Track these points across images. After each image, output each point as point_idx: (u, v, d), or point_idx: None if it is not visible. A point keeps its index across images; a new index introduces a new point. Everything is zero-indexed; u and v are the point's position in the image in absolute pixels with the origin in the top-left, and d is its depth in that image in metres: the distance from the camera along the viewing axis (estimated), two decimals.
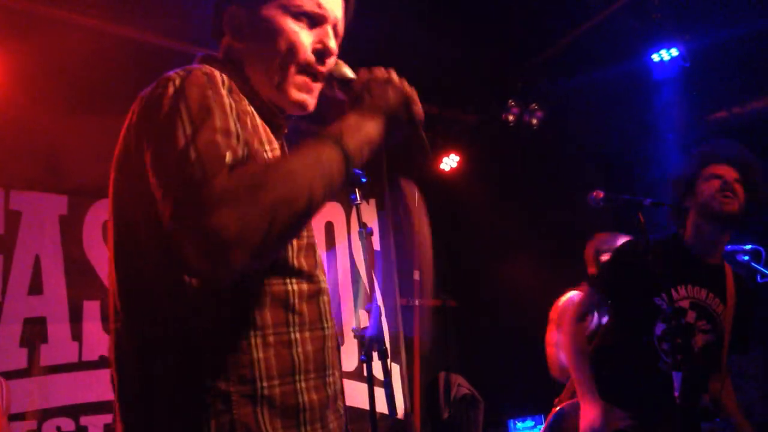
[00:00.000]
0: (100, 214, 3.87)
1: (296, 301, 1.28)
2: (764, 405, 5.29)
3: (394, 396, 2.48)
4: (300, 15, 1.38)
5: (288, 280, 1.28)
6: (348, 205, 4.93)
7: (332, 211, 5.14)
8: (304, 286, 1.31)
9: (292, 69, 1.37)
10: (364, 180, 2.58)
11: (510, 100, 5.32)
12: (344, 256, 5.12)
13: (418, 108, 1.35)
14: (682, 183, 2.87)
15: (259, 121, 1.31)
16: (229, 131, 1.14)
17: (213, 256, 1.04)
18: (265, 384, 1.21)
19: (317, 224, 5.01)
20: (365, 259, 2.60)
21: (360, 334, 2.41)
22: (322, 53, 1.39)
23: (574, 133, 5.69)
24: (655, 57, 4.69)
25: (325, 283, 1.39)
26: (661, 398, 2.60)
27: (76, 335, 3.73)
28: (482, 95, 5.47)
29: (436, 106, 5.55)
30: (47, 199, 3.80)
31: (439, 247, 5.93)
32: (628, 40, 4.69)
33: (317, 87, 1.42)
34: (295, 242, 1.30)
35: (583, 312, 2.85)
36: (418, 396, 5.41)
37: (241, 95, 1.31)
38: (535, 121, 5.44)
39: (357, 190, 2.61)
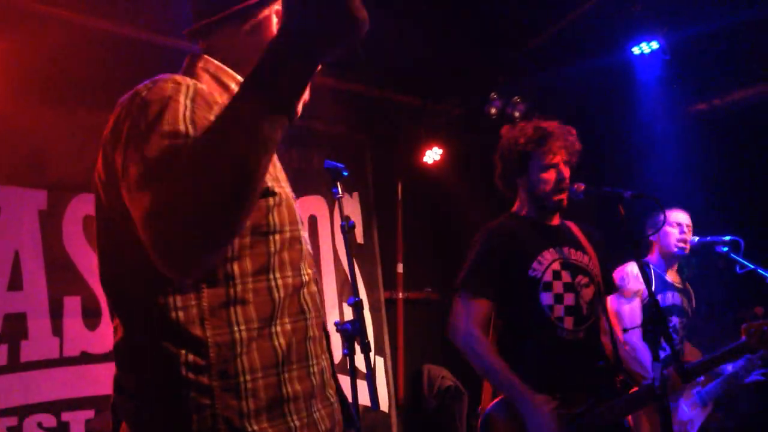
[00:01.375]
0: (80, 209, 3.84)
1: (279, 295, 1.30)
2: (748, 397, 5.36)
3: (377, 389, 2.50)
4: None
5: (270, 276, 1.30)
6: (331, 199, 4.92)
7: (315, 205, 5.13)
8: (288, 280, 1.33)
9: None
10: (345, 174, 2.59)
11: (492, 93, 5.33)
12: (328, 250, 5.12)
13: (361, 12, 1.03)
14: (515, 160, 2.86)
15: None
16: (177, 133, 1.16)
17: (166, 259, 1.05)
18: (248, 377, 1.23)
19: (303, 216, 5.00)
20: (348, 253, 2.60)
21: (343, 328, 2.42)
22: None
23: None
24: (636, 50, 4.72)
25: (312, 275, 1.42)
26: (573, 366, 2.62)
27: (57, 331, 3.71)
28: (465, 88, 5.48)
29: (419, 99, 5.56)
30: (26, 194, 3.76)
31: (422, 240, 5.96)
32: (608, 33, 4.71)
33: None
34: (277, 237, 1.32)
35: (485, 322, 2.70)
36: (402, 388, 5.44)
37: (220, 94, 1.34)
38: (517, 114, 5.45)
39: (339, 183, 2.61)
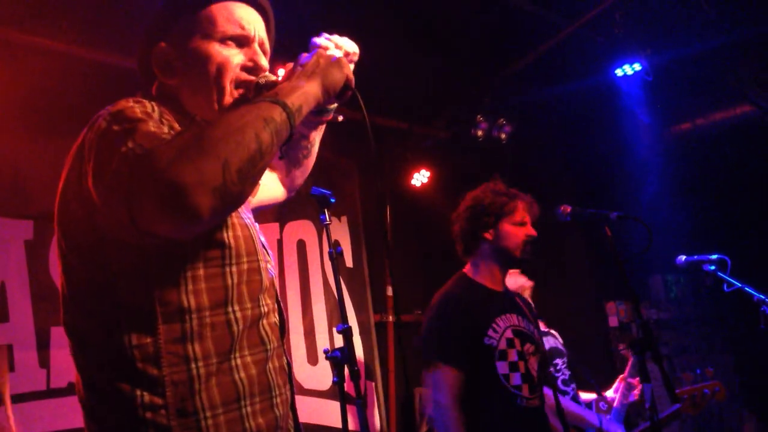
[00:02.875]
0: None
1: (237, 328, 1.29)
2: (736, 412, 5.37)
3: (367, 415, 2.48)
4: (225, 39, 1.43)
5: (228, 310, 1.29)
6: (319, 223, 4.92)
7: (304, 230, 5.12)
8: (247, 312, 1.32)
9: (228, 85, 1.42)
10: (332, 200, 2.59)
11: (478, 116, 5.37)
12: (317, 275, 5.10)
13: (348, 69, 1.46)
14: (487, 214, 2.91)
15: None
16: (160, 132, 1.19)
17: (179, 207, 1.08)
18: (208, 414, 1.22)
19: (289, 243, 4.99)
20: (336, 280, 2.60)
21: (332, 356, 2.41)
22: (252, 69, 1.44)
23: (542, 147, 5.77)
24: (619, 72, 4.79)
25: (271, 305, 1.41)
26: None
27: (44, 362, 3.66)
28: (451, 111, 5.52)
29: (406, 122, 5.59)
30: (12, 225, 3.73)
31: (411, 262, 5.95)
32: (592, 55, 4.78)
33: None
34: (234, 269, 1.31)
35: (456, 392, 2.65)
36: (393, 412, 5.40)
37: (176, 126, 1.35)
38: (503, 136, 5.49)
39: (326, 210, 2.62)
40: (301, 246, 5.10)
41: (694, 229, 5.02)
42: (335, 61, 1.41)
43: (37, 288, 3.72)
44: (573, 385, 3.69)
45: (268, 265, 1.44)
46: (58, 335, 3.72)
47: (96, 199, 1.19)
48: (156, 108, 1.29)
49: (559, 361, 3.73)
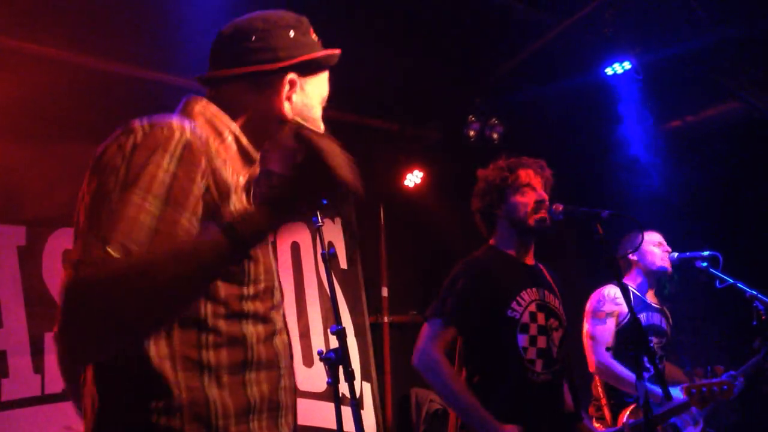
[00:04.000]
0: (59, 244, 3.80)
1: (252, 341, 1.31)
2: (731, 407, 5.38)
3: (362, 417, 2.49)
4: (321, 102, 1.61)
5: (244, 322, 1.30)
6: (313, 226, 4.92)
7: (297, 232, 5.12)
8: (260, 328, 1.33)
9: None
10: (325, 202, 2.60)
11: (470, 116, 5.38)
12: (311, 277, 5.10)
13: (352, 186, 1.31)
14: (493, 191, 2.92)
15: (233, 151, 1.40)
16: (142, 207, 1.16)
17: (61, 349, 1.18)
18: (221, 423, 1.23)
19: (283, 245, 4.99)
20: (329, 281, 2.60)
21: (326, 357, 2.42)
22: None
23: (534, 147, 5.77)
24: (609, 70, 4.80)
25: (281, 323, 1.42)
26: (539, 409, 2.65)
27: (38, 368, 3.65)
28: (443, 111, 5.53)
29: (398, 124, 5.59)
30: (4, 230, 3.72)
31: (406, 263, 5.96)
32: (582, 54, 4.79)
33: None
34: (252, 287, 1.32)
35: (447, 348, 2.71)
36: (390, 413, 5.40)
37: (214, 139, 1.36)
38: (495, 136, 5.50)
39: (318, 212, 2.62)
40: (295, 248, 5.10)
41: (686, 226, 5.03)
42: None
43: (30, 294, 3.71)
44: (661, 367, 3.68)
45: (279, 283, 1.47)
46: (52, 341, 3.71)
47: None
48: (188, 138, 1.26)
49: (654, 338, 3.72)
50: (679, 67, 4.81)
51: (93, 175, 1.23)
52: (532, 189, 2.85)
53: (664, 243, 3.94)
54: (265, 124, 1.47)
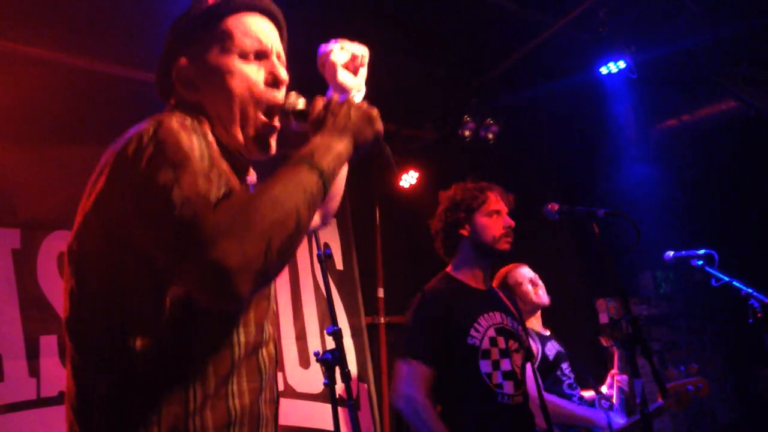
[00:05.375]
0: (54, 247, 3.79)
1: (239, 352, 1.28)
2: (727, 406, 5.39)
3: (358, 418, 2.48)
4: (244, 54, 1.42)
5: (234, 331, 1.28)
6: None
7: None
8: (250, 338, 1.31)
9: (252, 111, 1.41)
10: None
11: (465, 116, 5.38)
12: (307, 278, 5.10)
13: (379, 124, 1.42)
14: (459, 210, 2.92)
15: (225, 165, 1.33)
16: (207, 173, 1.17)
17: (220, 288, 1.08)
18: None
19: None
20: (325, 282, 2.60)
21: (323, 358, 2.41)
22: (273, 83, 1.44)
23: (529, 147, 5.79)
24: (604, 70, 4.81)
25: (271, 334, 1.40)
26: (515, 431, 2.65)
27: (34, 371, 3.64)
28: (438, 112, 5.53)
29: (393, 124, 5.59)
30: None
31: (402, 263, 5.95)
32: (576, 54, 4.80)
33: (274, 136, 1.48)
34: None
35: (427, 387, 2.64)
36: (387, 413, 5.40)
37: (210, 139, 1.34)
38: (491, 136, 5.51)
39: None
40: None
41: (682, 224, 5.04)
42: (367, 115, 1.40)
43: (25, 297, 3.70)
44: (578, 389, 3.70)
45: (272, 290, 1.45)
46: (48, 344, 3.70)
47: (138, 233, 1.19)
48: (198, 126, 1.28)
49: (564, 365, 3.72)
50: (674, 65, 4.82)
51: (118, 171, 1.22)
52: (499, 215, 2.88)
53: (536, 278, 3.92)
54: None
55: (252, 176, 1.52)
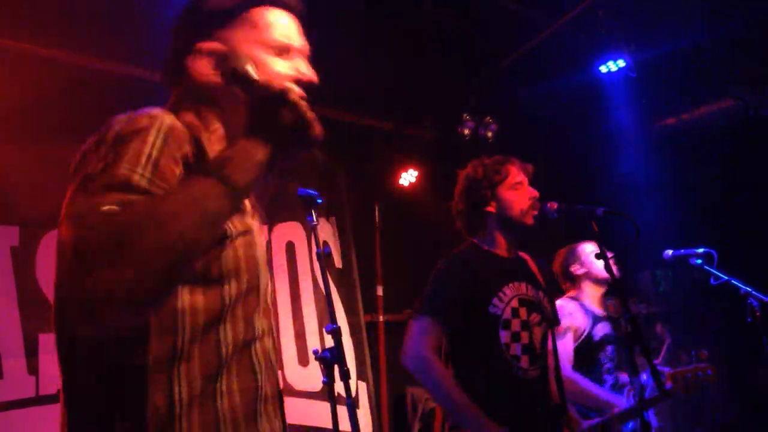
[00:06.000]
0: (52, 245, 3.77)
1: (227, 351, 1.23)
2: (725, 405, 5.40)
3: (357, 416, 2.48)
4: (274, 48, 1.38)
5: (220, 328, 1.22)
6: (308, 225, 4.91)
7: (293, 231, 5.11)
8: (239, 335, 1.25)
9: None
10: (319, 201, 2.59)
11: (464, 114, 5.38)
12: (307, 277, 5.10)
13: (315, 131, 1.24)
14: (482, 188, 2.87)
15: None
16: (128, 184, 1.10)
17: (89, 318, 1.02)
18: None
19: (278, 245, 4.98)
20: (324, 281, 2.60)
21: (321, 356, 2.41)
22: (299, 83, 1.38)
23: (528, 145, 5.78)
24: (603, 68, 4.81)
25: (265, 328, 1.34)
26: (527, 405, 2.62)
27: (33, 369, 3.64)
28: (437, 110, 5.54)
29: (393, 122, 5.59)
30: None
31: (401, 262, 5.95)
32: (576, 52, 4.80)
33: None
34: (234, 288, 1.24)
35: (435, 344, 2.64)
36: (385, 412, 5.40)
37: (204, 136, 1.29)
38: (490, 134, 5.52)
39: (313, 211, 2.61)
40: (290, 248, 5.09)
41: (681, 223, 5.04)
42: (280, 102, 1.21)
43: (24, 295, 3.69)
44: (618, 374, 3.69)
45: (265, 282, 1.37)
46: (47, 342, 3.70)
47: None
48: (171, 126, 1.20)
49: (609, 348, 3.72)
50: (673, 64, 4.82)
51: (77, 172, 1.18)
52: (522, 186, 2.84)
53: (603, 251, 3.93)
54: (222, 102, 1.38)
55: None
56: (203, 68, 1.36)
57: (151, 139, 1.16)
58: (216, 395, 1.20)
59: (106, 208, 1.06)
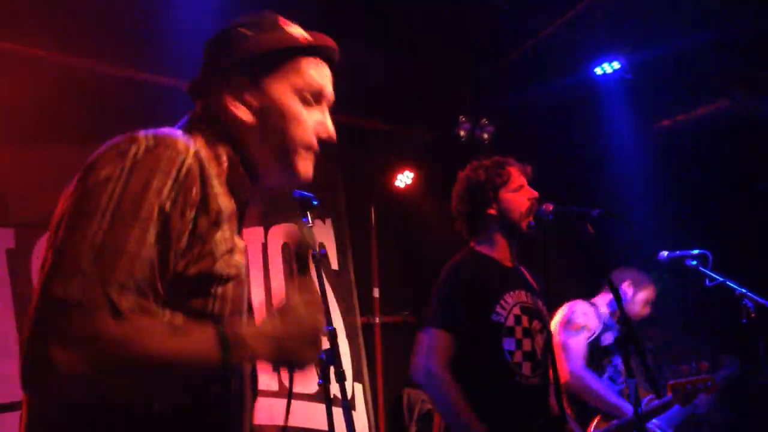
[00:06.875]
0: None
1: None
2: (720, 406, 5.40)
3: (353, 418, 2.48)
4: (309, 98, 1.40)
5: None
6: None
7: (288, 233, 5.11)
8: None
9: (300, 149, 1.39)
10: (315, 203, 2.59)
11: (460, 116, 5.39)
12: None
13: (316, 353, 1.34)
14: (483, 190, 2.87)
15: (220, 192, 1.24)
16: (138, 255, 1.09)
17: (32, 379, 1.06)
18: None
19: (274, 247, 4.98)
20: (320, 282, 2.59)
21: (317, 358, 2.41)
22: (323, 139, 1.43)
23: (524, 146, 5.79)
24: (599, 70, 4.82)
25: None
26: (528, 413, 2.63)
27: None
28: (433, 112, 5.54)
29: (388, 124, 5.59)
30: None
31: (397, 263, 5.96)
32: (571, 54, 4.81)
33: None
34: (216, 305, 1.22)
35: (447, 357, 2.62)
36: (382, 413, 5.40)
37: (212, 162, 1.27)
38: (486, 136, 5.52)
39: (309, 213, 2.61)
40: (286, 249, 5.08)
41: (676, 224, 5.05)
42: (312, 345, 1.29)
43: (19, 297, 3.69)
44: (620, 385, 3.70)
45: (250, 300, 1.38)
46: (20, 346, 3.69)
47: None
48: (190, 163, 1.18)
49: (617, 359, 3.73)
50: (668, 66, 4.83)
51: (84, 180, 1.14)
52: (523, 188, 2.84)
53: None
54: (247, 141, 1.37)
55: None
56: (243, 115, 1.36)
57: (166, 190, 1.14)
58: (200, 412, 1.21)
59: (115, 297, 1.05)
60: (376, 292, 5.68)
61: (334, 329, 2.47)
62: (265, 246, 4.90)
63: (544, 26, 4.50)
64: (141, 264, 1.08)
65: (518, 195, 2.82)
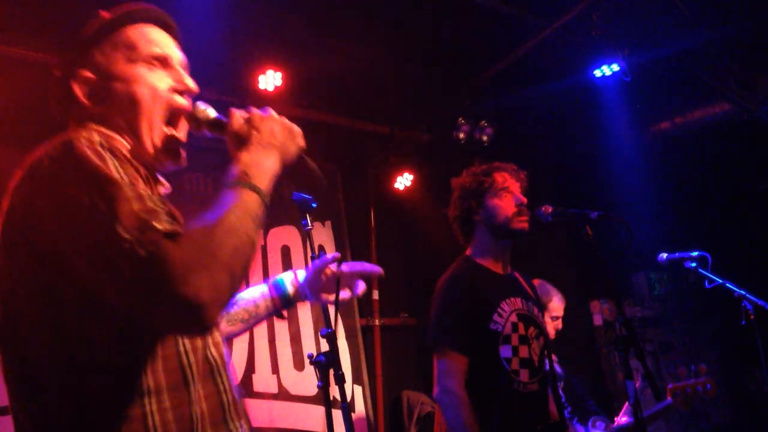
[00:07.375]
0: None
1: (188, 359, 1.27)
2: (720, 407, 5.40)
3: (353, 420, 2.48)
4: (150, 61, 1.43)
5: (179, 341, 1.27)
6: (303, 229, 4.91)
7: (288, 235, 5.12)
8: (198, 342, 1.31)
9: (158, 120, 1.40)
10: (314, 205, 2.59)
11: (460, 118, 5.39)
12: None
13: (302, 140, 1.44)
14: (469, 197, 2.90)
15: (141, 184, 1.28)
16: (141, 196, 1.15)
17: (193, 323, 1.11)
18: None
19: (273, 249, 4.98)
20: None
21: (316, 360, 2.40)
22: (182, 92, 1.45)
23: (523, 149, 5.80)
24: (597, 73, 4.82)
25: (216, 336, 1.38)
26: (527, 420, 2.64)
27: None
28: (432, 114, 5.54)
29: (388, 127, 5.60)
30: None
31: (396, 265, 5.95)
32: (570, 56, 4.81)
33: (182, 147, 1.46)
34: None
35: (464, 378, 2.63)
36: (381, 415, 5.40)
37: (121, 155, 1.30)
38: (485, 138, 5.52)
39: (308, 215, 2.61)
40: (286, 252, 5.09)
41: (676, 226, 5.06)
42: (290, 131, 1.42)
43: None
44: (568, 409, 3.70)
45: None
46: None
47: (81, 270, 1.16)
48: (103, 143, 1.25)
49: (560, 384, 3.73)
50: (667, 68, 4.84)
51: (39, 190, 1.21)
52: (509, 192, 2.85)
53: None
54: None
55: (165, 187, 1.48)
56: (86, 99, 1.42)
57: (108, 159, 1.21)
58: (190, 402, 1.24)
59: (163, 224, 1.13)
60: (375, 294, 5.68)
61: (334, 331, 2.46)
62: (264, 248, 4.90)
63: (543, 29, 4.50)
64: (149, 198, 1.17)
65: (503, 200, 2.84)
